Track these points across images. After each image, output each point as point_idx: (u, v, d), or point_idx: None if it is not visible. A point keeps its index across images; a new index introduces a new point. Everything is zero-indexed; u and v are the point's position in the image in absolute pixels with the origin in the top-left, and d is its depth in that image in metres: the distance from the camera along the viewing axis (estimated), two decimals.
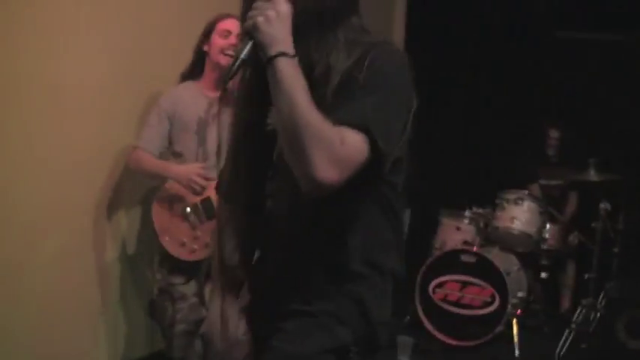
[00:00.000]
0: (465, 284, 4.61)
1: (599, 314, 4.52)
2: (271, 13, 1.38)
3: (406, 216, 6.23)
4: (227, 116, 1.63)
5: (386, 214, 1.54)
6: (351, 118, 1.36)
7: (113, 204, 3.39)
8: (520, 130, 5.59)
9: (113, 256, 3.47)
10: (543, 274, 5.07)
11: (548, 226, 4.94)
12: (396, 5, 6.15)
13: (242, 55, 1.39)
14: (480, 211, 4.91)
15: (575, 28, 5.67)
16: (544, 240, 4.93)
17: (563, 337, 4.41)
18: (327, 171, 1.32)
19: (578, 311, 4.56)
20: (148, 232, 3.24)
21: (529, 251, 4.89)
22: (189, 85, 3.17)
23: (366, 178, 1.42)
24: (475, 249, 4.67)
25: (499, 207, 4.77)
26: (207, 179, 3.03)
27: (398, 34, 6.04)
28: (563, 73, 5.66)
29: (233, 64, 1.40)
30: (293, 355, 1.46)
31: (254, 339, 1.60)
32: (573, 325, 4.46)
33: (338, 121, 1.35)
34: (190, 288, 3.11)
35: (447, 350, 4.55)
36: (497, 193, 4.88)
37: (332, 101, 1.41)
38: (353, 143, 1.35)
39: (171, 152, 3.19)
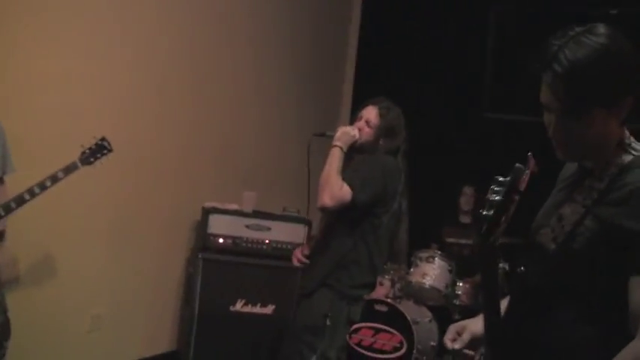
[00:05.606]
0: (377, 331, 5.16)
1: None
2: (341, 131, 3.42)
3: None
4: None
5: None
6: (347, 178, 3.28)
7: None
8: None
9: None
10: None
11: (460, 283, 5.52)
12: None
13: (327, 133, 3.55)
14: (396, 267, 5.50)
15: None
16: (456, 296, 5.50)
17: None
18: (326, 201, 3.22)
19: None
20: None
21: (442, 305, 5.45)
22: None
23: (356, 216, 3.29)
24: (388, 300, 5.25)
25: (413, 264, 5.36)
26: None
27: None
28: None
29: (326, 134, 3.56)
30: None
31: None
32: None
33: (344, 179, 3.27)
34: None
35: None
36: (412, 251, 5.48)
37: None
38: (346, 189, 3.24)
39: None
